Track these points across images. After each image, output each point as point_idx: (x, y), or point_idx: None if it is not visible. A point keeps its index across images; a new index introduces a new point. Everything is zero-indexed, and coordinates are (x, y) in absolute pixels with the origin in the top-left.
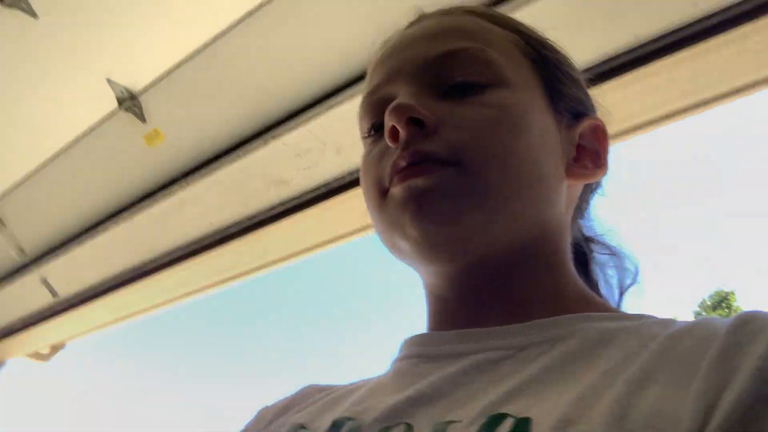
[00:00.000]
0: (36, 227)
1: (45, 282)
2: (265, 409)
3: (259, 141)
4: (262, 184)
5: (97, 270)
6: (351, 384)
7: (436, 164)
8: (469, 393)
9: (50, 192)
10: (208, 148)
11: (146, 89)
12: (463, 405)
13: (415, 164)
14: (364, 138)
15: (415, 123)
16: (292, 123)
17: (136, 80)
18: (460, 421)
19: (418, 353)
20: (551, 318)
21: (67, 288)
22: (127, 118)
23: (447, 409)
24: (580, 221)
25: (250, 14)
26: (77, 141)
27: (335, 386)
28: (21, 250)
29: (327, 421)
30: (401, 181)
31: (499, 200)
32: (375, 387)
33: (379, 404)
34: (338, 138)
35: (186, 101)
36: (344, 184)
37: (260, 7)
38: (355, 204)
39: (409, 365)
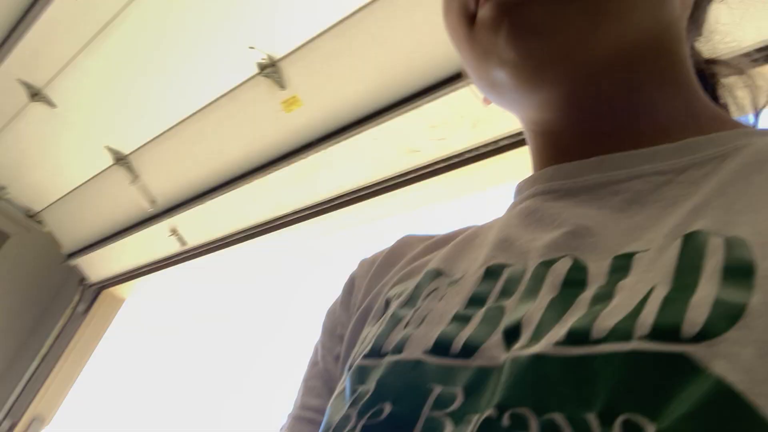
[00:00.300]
0: (170, 181)
1: (174, 231)
2: (365, 261)
3: (394, 111)
4: (394, 151)
5: (226, 223)
6: (463, 229)
7: None
8: (640, 222)
9: (186, 149)
10: (344, 116)
11: (287, 57)
12: (641, 234)
13: None
14: None
15: None
16: (429, 96)
17: (277, 48)
18: (646, 250)
19: (552, 189)
20: (704, 136)
21: (195, 238)
22: (266, 83)
23: (620, 240)
24: (699, 44)
25: None
26: (216, 102)
27: (440, 235)
28: (153, 201)
29: (472, 267)
30: None
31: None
32: (511, 229)
33: (530, 245)
34: (475, 112)
35: (326, 70)
36: (477, 155)
37: None
38: (485, 173)
39: (544, 202)
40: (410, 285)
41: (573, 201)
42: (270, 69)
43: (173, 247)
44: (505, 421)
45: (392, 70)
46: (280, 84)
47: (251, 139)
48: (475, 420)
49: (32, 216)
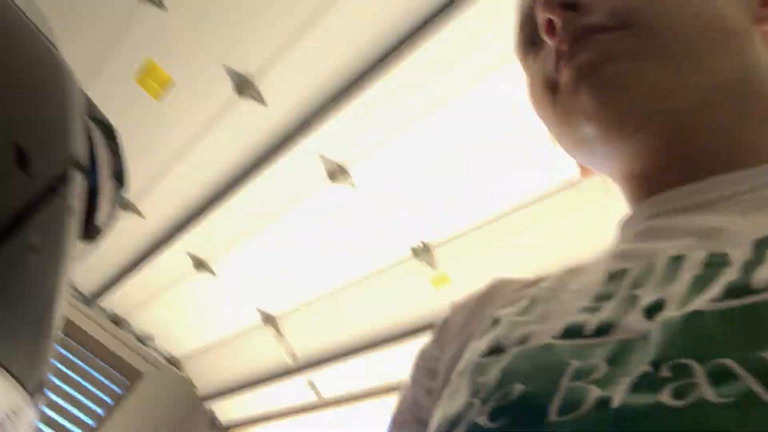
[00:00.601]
0: (312, 341)
1: (311, 384)
2: (458, 303)
3: None
4: None
5: (363, 380)
6: (560, 270)
7: (601, 33)
8: (764, 218)
9: (331, 314)
10: None
11: (440, 243)
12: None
13: (579, 40)
14: (527, 67)
15: (568, 8)
16: None
17: (431, 235)
18: None
19: (668, 209)
20: None
21: (330, 391)
22: (419, 264)
23: (756, 230)
24: None
25: (550, 194)
26: (367, 276)
27: (532, 277)
28: (294, 356)
29: (590, 279)
30: (568, 62)
31: (681, 53)
32: (627, 245)
33: (655, 248)
34: None
35: (477, 255)
36: None
37: (565, 188)
38: None
39: (662, 220)
40: (522, 302)
41: (694, 213)
42: (423, 254)
43: (307, 398)
44: (665, 372)
45: (544, 258)
46: (431, 264)
47: (397, 308)
48: (628, 381)
49: (172, 361)
